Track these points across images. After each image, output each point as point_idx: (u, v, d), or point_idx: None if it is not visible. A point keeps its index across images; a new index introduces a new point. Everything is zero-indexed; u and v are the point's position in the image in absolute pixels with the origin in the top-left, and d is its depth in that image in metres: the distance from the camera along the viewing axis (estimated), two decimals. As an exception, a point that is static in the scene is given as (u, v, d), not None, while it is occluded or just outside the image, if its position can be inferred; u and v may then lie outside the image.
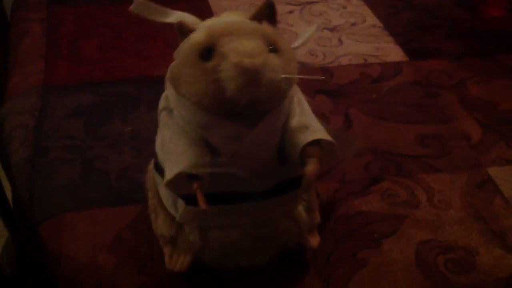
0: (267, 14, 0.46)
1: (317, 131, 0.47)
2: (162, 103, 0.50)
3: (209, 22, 0.47)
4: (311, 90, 0.81)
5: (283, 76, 0.43)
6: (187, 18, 0.49)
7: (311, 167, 0.44)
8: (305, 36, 0.54)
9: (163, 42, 0.89)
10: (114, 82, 0.81)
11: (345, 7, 1.03)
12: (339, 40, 0.93)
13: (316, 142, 0.46)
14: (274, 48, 0.44)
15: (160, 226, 0.54)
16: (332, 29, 0.96)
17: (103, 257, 0.57)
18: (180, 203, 0.51)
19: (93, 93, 0.79)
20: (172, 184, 0.45)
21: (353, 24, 0.98)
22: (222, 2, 1.02)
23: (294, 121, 0.47)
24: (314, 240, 0.55)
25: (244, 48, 0.42)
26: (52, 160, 0.67)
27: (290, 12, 1.00)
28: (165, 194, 0.53)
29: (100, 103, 0.77)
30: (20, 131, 0.72)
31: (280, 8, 1.00)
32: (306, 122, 0.47)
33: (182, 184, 0.45)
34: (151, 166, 0.56)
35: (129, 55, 0.88)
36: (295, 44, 0.53)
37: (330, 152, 0.47)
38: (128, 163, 0.68)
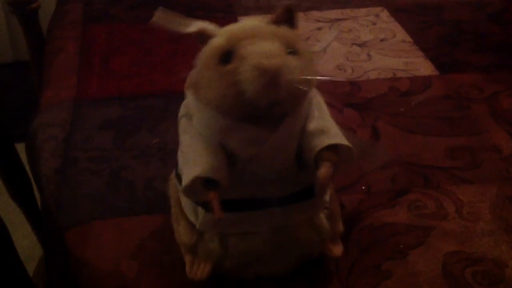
0: (287, 19, 0.46)
1: (334, 135, 0.46)
2: (182, 111, 0.51)
3: (229, 27, 0.47)
4: (340, 103, 0.80)
5: (302, 77, 0.43)
6: (208, 26, 0.50)
7: (322, 171, 0.43)
8: (327, 40, 0.54)
9: (193, 58, 0.90)
10: (143, 96, 0.83)
11: (374, 23, 1.03)
12: (368, 55, 0.93)
13: (333, 147, 0.45)
14: (293, 51, 0.44)
15: (181, 234, 0.54)
16: (361, 45, 0.96)
17: (125, 264, 0.57)
18: (200, 210, 0.51)
19: (123, 107, 0.80)
20: (189, 190, 0.46)
21: (382, 40, 0.97)
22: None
23: (312, 125, 0.47)
24: (337, 249, 0.55)
25: (263, 50, 0.42)
26: (80, 170, 0.69)
27: (319, 29, 1.00)
28: (186, 202, 0.53)
29: (128, 116, 0.78)
30: (50, 143, 0.74)
31: (309, 25, 1.01)
32: (324, 126, 0.47)
33: (199, 190, 0.45)
34: (173, 174, 0.56)
35: (159, 71, 0.89)
36: (317, 48, 0.53)
37: (347, 157, 0.47)
38: (154, 173, 0.68)
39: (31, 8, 1.10)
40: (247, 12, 1.06)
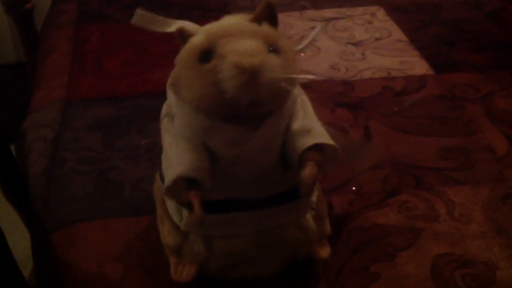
0: (267, 15, 0.46)
1: (318, 135, 0.45)
2: (164, 110, 0.50)
3: (208, 26, 0.47)
4: (331, 103, 0.80)
5: (283, 76, 0.42)
6: (188, 25, 0.49)
7: (307, 171, 0.42)
8: (310, 37, 0.53)
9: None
10: (135, 96, 0.82)
11: (370, 22, 1.02)
12: (363, 54, 0.92)
13: (318, 147, 0.45)
14: (274, 49, 0.43)
15: (166, 235, 0.53)
16: (356, 44, 0.95)
17: (111, 266, 0.56)
18: (184, 211, 0.50)
19: (114, 107, 0.80)
20: (171, 190, 0.45)
21: (378, 39, 0.96)
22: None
23: (296, 124, 0.46)
24: (324, 251, 0.54)
25: (243, 48, 0.41)
26: (68, 171, 0.68)
27: (313, 27, 0.99)
28: (170, 203, 0.52)
29: (119, 117, 0.78)
30: (39, 144, 0.73)
31: (304, 24, 1.00)
32: (308, 126, 0.46)
33: (181, 191, 0.44)
34: (158, 175, 0.55)
35: (152, 71, 0.89)
36: (301, 45, 0.52)
37: (332, 157, 0.46)
38: (143, 174, 0.68)
39: (25, 9, 1.09)
40: (242, 11, 1.05)
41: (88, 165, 0.69)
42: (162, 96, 0.80)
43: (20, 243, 1.17)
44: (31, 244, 0.72)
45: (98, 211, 0.63)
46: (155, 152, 0.71)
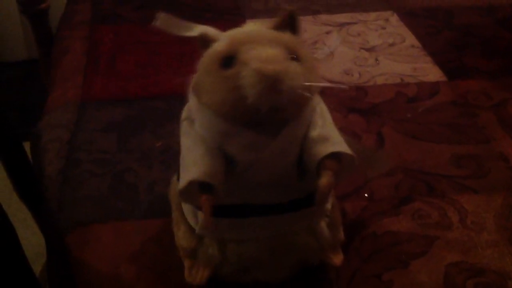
0: (289, 24, 0.46)
1: (336, 143, 0.46)
2: (184, 114, 0.50)
3: (231, 32, 0.47)
4: (344, 108, 0.80)
5: (303, 84, 0.43)
6: (210, 31, 0.49)
7: (324, 180, 0.43)
8: (330, 47, 0.53)
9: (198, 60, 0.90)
10: (148, 98, 0.82)
11: (384, 28, 1.02)
12: (376, 60, 0.92)
13: (335, 155, 0.45)
14: (295, 57, 0.44)
15: (181, 238, 0.53)
16: (370, 49, 0.95)
17: (124, 267, 0.57)
18: (200, 215, 0.51)
19: (127, 108, 0.80)
20: (185, 194, 0.45)
21: (391, 45, 0.97)
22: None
23: (315, 133, 0.46)
24: (337, 258, 0.54)
25: (265, 55, 0.42)
26: (82, 172, 0.69)
27: (328, 32, 1.00)
28: (186, 206, 0.53)
29: (132, 118, 0.78)
30: (55, 144, 0.74)
31: (318, 29, 1.00)
32: (326, 134, 0.46)
33: (194, 194, 0.45)
34: (174, 178, 0.56)
35: (164, 72, 0.89)
36: (321, 55, 0.52)
37: (349, 165, 0.46)
38: (156, 177, 0.68)
39: (40, 8, 1.10)
40: (255, 14, 1.05)
41: (103, 167, 0.69)
42: (173, 98, 0.81)
43: (29, 239, 1.18)
44: (46, 244, 0.73)
45: (112, 213, 0.63)
46: (169, 154, 0.71)
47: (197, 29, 0.49)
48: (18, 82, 1.80)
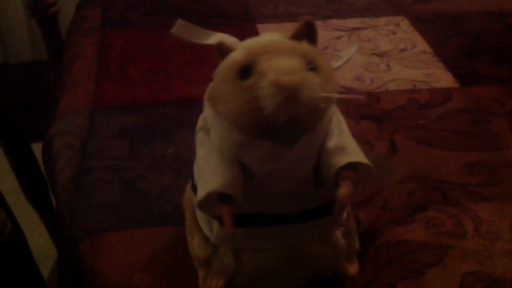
0: (307, 33, 0.46)
1: (354, 153, 0.45)
2: (199, 123, 0.50)
3: (248, 41, 0.47)
4: (356, 115, 0.79)
5: (321, 94, 0.42)
6: (227, 39, 0.49)
7: (343, 190, 0.42)
8: (347, 56, 0.53)
9: (211, 65, 0.89)
10: (159, 104, 0.82)
11: (395, 33, 1.02)
12: (387, 65, 0.91)
13: (353, 165, 0.45)
14: (313, 67, 0.43)
15: (195, 247, 0.53)
16: (381, 55, 0.94)
17: (138, 276, 0.56)
18: (215, 224, 0.50)
19: (138, 114, 0.80)
20: (203, 205, 0.45)
21: (402, 50, 0.96)
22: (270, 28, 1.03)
23: (332, 142, 0.46)
24: (352, 268, 0.54)
25: (282, 66, 0.42)
26: (94, 179, 0.68)
27: (338, 38, 0.99)
28: (201, 215, 0.52)
29: (143, 125, 0.78)
30: (66, 151, 0.74)
31: (328, 34, 1.00)
32: (344, 144, 0.46)
33: (213, 205, 0.45)
34: (189, 186, 0.55)
35: (175, 78, 0.89)
36: (337, 64, 0.52)
37: (366, 176, 0.46)
38: (168, 184, 0.68)
39: (50, 13, 1.10)
40: (265, 19, 1.05)
41: (114, 174, 0.69)
42: (184, 106, 0.81)
43: (36, 241, 1.19)
44: (57, 249, 0.73)
45: (124, 221, 0.63)
46: (180, 161, 0.71)
47: (215, 37, 0.49)
48: (24, 84, 1.81)
